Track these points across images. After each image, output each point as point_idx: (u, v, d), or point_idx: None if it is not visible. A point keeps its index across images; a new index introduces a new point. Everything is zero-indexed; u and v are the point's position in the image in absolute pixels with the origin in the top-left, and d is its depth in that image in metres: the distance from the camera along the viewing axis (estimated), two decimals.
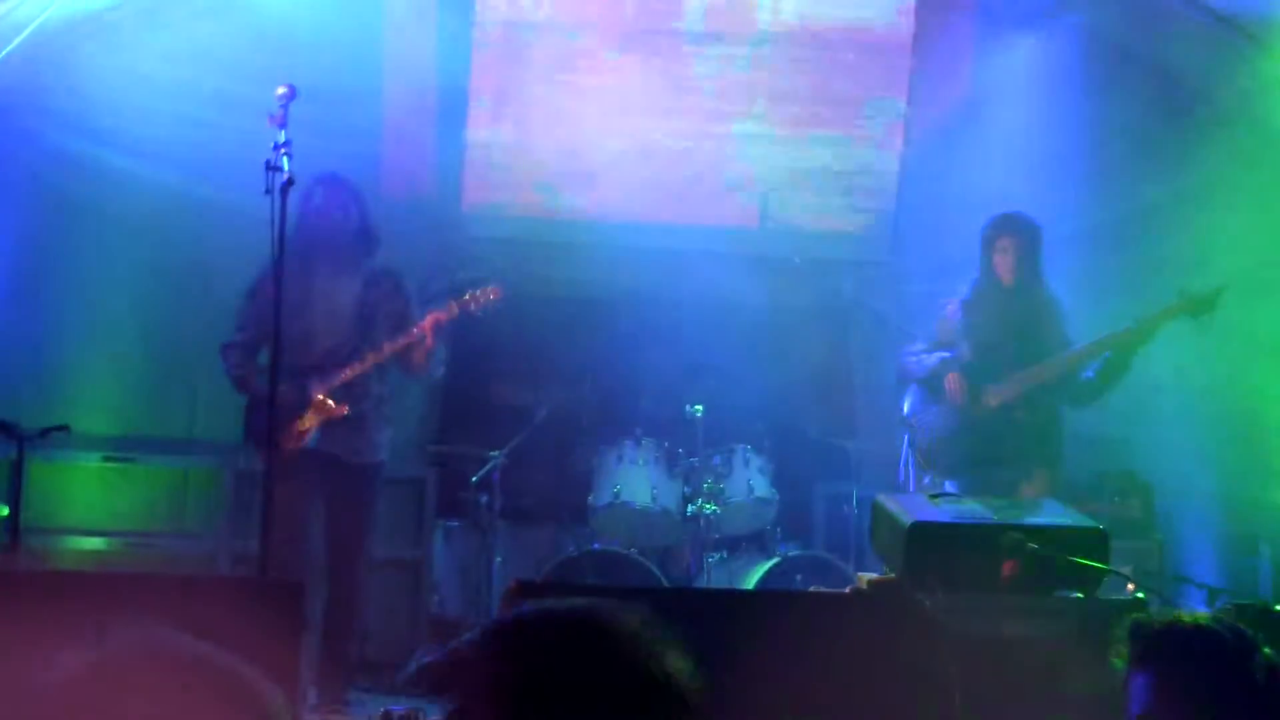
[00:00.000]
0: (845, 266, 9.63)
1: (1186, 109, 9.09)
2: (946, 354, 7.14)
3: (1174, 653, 2.48)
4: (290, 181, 5.54)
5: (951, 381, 7.02)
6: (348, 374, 6.71)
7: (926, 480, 7.20)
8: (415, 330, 6.74)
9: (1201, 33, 8.78)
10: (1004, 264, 7.06)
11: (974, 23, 9.53)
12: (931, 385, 7.17)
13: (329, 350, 6.78)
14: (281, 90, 5.62)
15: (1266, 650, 2.51)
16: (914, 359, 7.27)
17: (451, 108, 9.48)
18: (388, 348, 6.75)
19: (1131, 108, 9.09)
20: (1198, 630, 2.51)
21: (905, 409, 7.36)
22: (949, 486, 6.96)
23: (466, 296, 6.89)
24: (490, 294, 6.91)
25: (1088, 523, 5.23)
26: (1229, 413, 8.69)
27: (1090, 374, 6.96)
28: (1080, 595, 4.88)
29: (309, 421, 6.68)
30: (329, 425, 6.69)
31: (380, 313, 6.91)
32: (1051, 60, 8.99)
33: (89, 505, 8.28)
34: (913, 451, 7.27)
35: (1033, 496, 6.77)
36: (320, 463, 6.72)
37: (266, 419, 5.88)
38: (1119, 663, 2.68)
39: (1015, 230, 7.07)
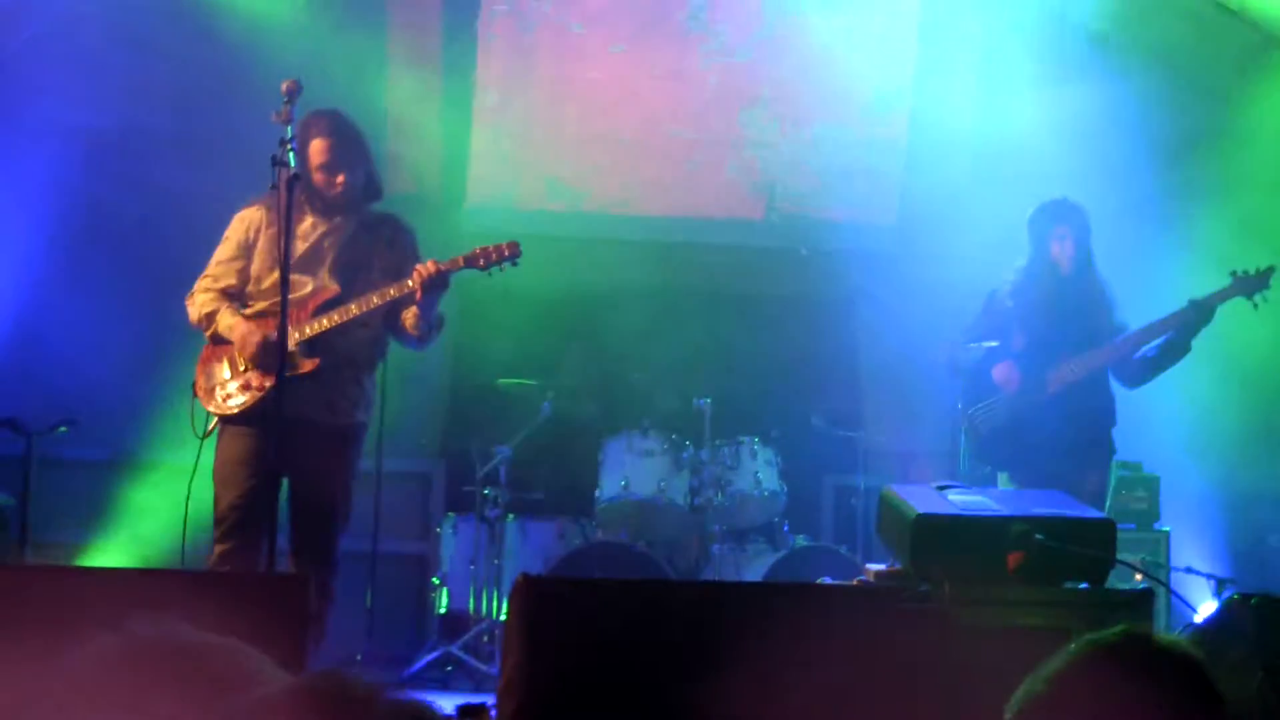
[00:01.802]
0: (851, 257, 9.63)
1: (1203, 96, 9.09)
2: (995, 344, 7.05)
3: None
4: (296, 177, 5.52)
5: (1001, 370, 6.96)
6: (323, 323, 6.03)
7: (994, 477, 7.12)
8: (409, 280, 6.01)
9: (1212, 19, 8.78)
10: (1062, 251, 6.97)
11: (981, 12, 9.52)
12: (983, 376, 7.08)
13: (306, 297, 6.06)
14: (287, 85, 5.60)
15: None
16: (963, 349, 7.16)
17: (457, 101, 9.49)
18: (375, 299, 6.03)
19: (1144, 95, 9.07)
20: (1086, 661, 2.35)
21: (960, 403, 7.26)
22: (1003, 479, 6.95)
23: (476, 251, 6.14)
24: (505, 250, 6.15)
25: (1094, 514, 5.23)
26: (1234, 402, 8.70)
27: (1151, 352, 6.94)
28: (1087, 586, 4.88)
29: (256, 377, 6.06)
30: (293, 382, 5.82)
31: (371, 261, 6.23)
32: (1061, 48, 8.96)
33: (95, 501, 8.29)
34: (969, 446, 7.19)
35: (1087, 488, 6.72)
36: (282, 425, 5.64)
37: (277, 376, 5.50)
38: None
39: (1072, 218, 7.01)
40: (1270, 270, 6.80)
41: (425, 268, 5.99)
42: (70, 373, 8.55)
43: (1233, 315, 6.97)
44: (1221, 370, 8.40)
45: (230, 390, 6.11)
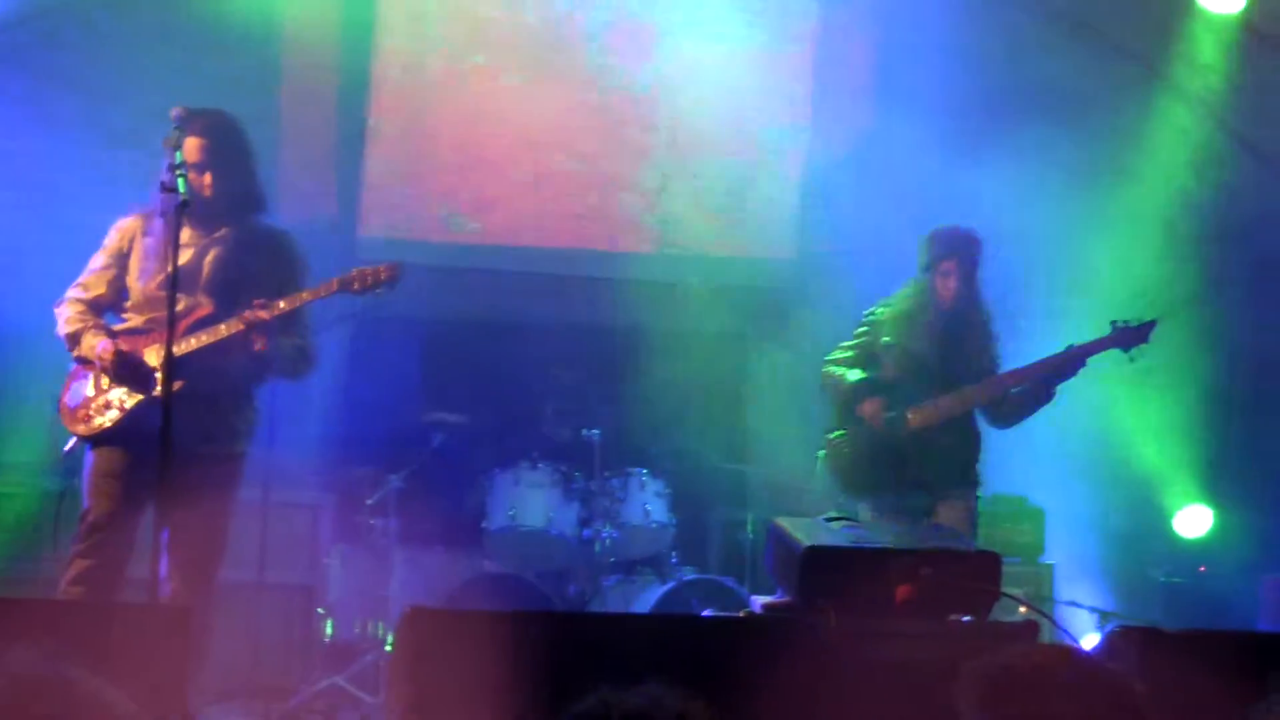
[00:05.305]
0: (745, 292, 9.68)
1: (1093, 127, 9.21)
2: (864, 374, 6.93)
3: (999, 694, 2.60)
4: (186, 203, 5.38)
5: (868, 407, 6.84)
6: (192, 343, 5.77)
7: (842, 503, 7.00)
8: (279, 304, 5.79)
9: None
10: (945, 287, 6.82)
11: (875, 46, 9.59)
12: (849, 405, 6.97)
13: (179, 315, 5.64)
14: (177, 111, 5.53)
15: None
16: (837, 372, 7.03)
17: (351, 130, 9.43)
18: (249, 316, 5.74)
19: (1041, 127, 9.19)
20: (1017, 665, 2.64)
21: (824, 429, 7.14)
22: (862, 509, 6.85)
23: (353, 273, 5.95)
24: (382, 273, 5.96)
25: (980, 547, 5.29)
26: (1119, 437, 8.83)
27: (1016, 396, 6.80)
28: (973, 619, 4.92)
29: (120, 397, 5.86)
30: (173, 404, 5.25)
31: (252, 279, 5.96)
32: (955, 80, 9.02)
33: None
34: (829, 471, 7.07)
35: (949, 521, 6.66)
36: (155, 449, 5.15)
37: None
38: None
39: (963, 249, 6.83)
40: (1151, 324, 6.66)
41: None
42: None
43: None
44: (1106, 405, 8.53)
45: (94, 409, 5.91)
